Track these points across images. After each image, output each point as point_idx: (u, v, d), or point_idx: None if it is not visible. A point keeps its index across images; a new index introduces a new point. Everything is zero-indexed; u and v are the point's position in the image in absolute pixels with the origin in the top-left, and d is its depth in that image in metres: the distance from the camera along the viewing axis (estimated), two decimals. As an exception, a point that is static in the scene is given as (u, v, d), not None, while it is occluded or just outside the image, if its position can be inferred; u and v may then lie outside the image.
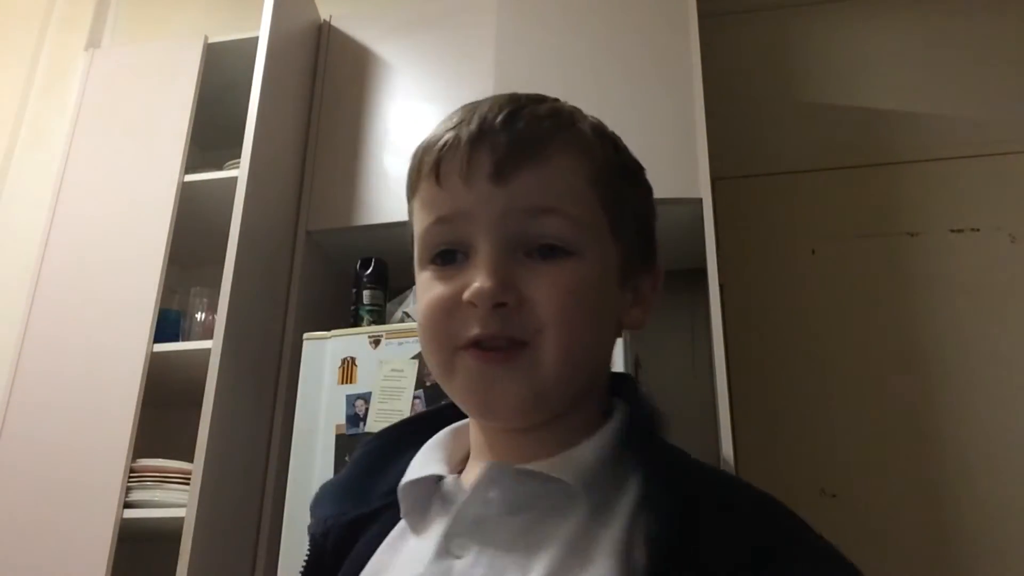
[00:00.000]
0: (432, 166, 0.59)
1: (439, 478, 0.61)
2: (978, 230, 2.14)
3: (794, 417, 2.06)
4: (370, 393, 1.65)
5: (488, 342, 0.55)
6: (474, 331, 0.55)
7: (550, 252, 0.57)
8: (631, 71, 1.97)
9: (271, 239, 1.97)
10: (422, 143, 0.62)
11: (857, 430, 2.03)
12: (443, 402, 0.67)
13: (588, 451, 0.59)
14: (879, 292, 2.14)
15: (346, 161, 2.08)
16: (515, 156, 0.57)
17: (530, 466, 0.57)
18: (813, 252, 2.19)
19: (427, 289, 0.59)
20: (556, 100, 0.64)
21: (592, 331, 0.59)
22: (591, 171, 0.60)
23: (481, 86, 2.01)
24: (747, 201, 2.24)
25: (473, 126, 0.59)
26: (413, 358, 1.65)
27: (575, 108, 0.64)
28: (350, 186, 2.05)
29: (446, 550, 0.56)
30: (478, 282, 0.55)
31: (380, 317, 1.87)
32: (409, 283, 1.92)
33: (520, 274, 0.56)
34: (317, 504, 0.65)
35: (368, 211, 2.01)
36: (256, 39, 2.04)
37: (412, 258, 0.64)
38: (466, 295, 0.55)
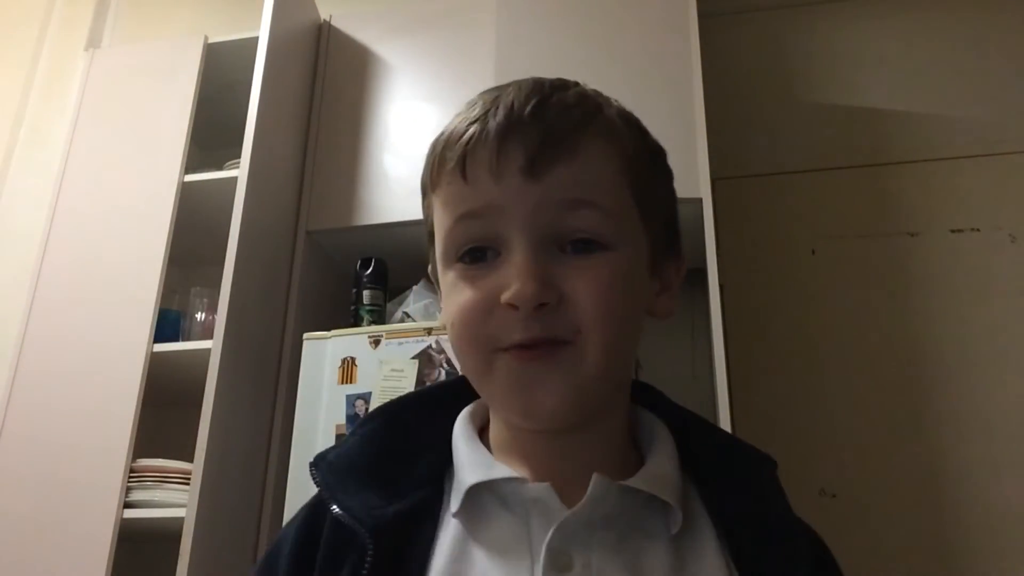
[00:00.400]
0: (458, 161, 0.57)
1: (513, 479, 0.57)
2: (978, 230, 2.14)
3: (794, 417, 2.06)
4: (370, 393, 1.65)
5: (531, 344, 0.54)
6: (516, 336, 0.54)
7: (584, 246, 0.55)
8: (631, 71, 1.97)
9: (271, 239, 1.97)
10: (442, 136, 0.60)
11: (857, 430, 2.03)
12: (446, 379, 0.65)
13: (668, 467, 0.59)
14: (879, 292, 2.14)
15: (346, 161, 2.08)
16: (548, 150, 0.55)
17: (639, 485, 0.56)
18: (813, 252, 2.20)
19: (457, 291, 0.57)
20: (578, 84, 0.62)
21: (630, 324, 0.58)
22: (622, 160, 0.58)
23: (481, 86, 2.00)
24: (747, 201, 2.24)
25: (500, 118, 0.56)
26: (413, 358, 1.65)
27: (598, 92, 0.63)
28: (350, 186, 2.05)
29: (555, 566, 0.54)
30: (518, 283, 0.53)
31: (380, 317, 1.87)
32: (409, 283, 1.92)
33: (557, 270, 0.54)
34: (340, 488, 0.59)
35: (368, 211, 2.01)
36: (256, 39, 2.04)
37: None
38: (506, 297, 0.53)
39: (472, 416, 0.63)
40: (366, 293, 1.89)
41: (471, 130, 0.57)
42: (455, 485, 0.59)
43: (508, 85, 0.60)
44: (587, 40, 2.04)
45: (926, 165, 2.22)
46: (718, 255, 1.78)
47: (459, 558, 0.55)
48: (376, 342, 1.70)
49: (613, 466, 0.58)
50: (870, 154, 2.27)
